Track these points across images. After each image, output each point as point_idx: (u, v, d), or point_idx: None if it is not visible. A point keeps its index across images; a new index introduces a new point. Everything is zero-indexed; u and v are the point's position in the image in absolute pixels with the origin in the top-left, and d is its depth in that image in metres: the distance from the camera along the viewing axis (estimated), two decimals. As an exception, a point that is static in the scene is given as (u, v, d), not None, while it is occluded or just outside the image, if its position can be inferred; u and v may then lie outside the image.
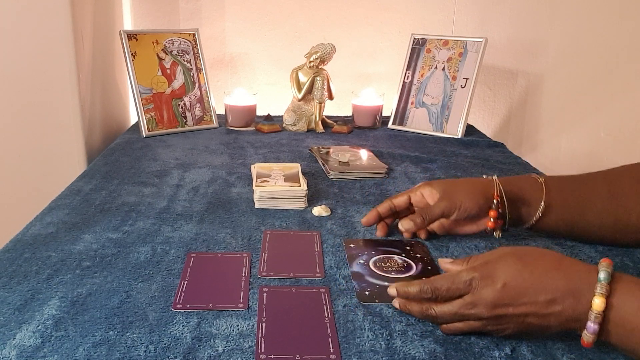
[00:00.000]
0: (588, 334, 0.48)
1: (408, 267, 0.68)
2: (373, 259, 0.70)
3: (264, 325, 0.56)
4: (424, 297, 0.55)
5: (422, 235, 0.77)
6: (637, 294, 0.47)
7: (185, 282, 0.63)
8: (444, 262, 0.61)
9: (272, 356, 0.51)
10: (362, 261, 0.69)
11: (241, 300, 0.60)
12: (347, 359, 0.51)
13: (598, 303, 0.47)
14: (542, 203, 0.71)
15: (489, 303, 0.51)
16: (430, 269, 0.68)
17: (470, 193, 0.73)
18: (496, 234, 0.74)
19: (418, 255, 0.72)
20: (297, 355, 0.51)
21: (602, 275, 0.48)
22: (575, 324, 0.49)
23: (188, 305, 0.58)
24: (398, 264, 0.69)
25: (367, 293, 0.62)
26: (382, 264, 0.69)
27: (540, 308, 0.50)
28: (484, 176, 0.75)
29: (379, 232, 0.78)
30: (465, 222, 0.75)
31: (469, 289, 0.52)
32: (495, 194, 0.72)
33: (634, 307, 0.47)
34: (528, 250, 0.54)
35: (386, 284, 0.64)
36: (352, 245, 0.74)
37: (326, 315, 0.58)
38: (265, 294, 0.61)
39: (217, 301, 0.60)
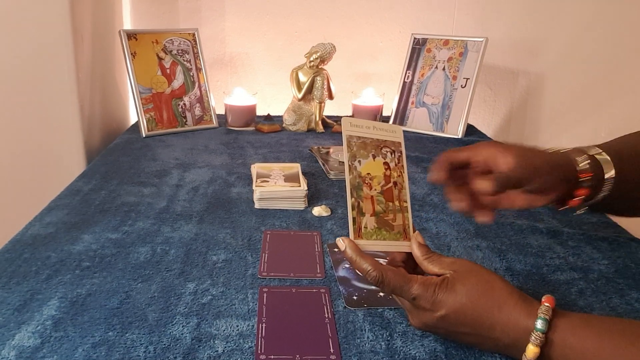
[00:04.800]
0: None
1: None
2: None
3: (263, 325, 0.55)
4: (367, 277, 0.52)
5: (488, 217, 0.61)
6: (571, 343, 0.47)
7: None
8: (421, 258, 0.55)
9: (272, 356, 0.51)
10: (347, 265, 0.68)
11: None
12: (347, 359, 0.51)
13: (532, 350, 0.47)
14: (612, 172, 0.61)
15: (422, 323, 0.52)
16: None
17: (549, 163, 0.60)
18: (579, 211, 0.64)
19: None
20: (297, 356, 0.51)
21: (538, 324, 0.47)
22: (510, 354, 0.50)
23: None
24: None
25: (354, 298, 0.61)
26: None
27: (471, 340, 0.52)
28: (562, 149, 0.64)
29: (485, 218, 0.61)
30: (532, 195, 0.61)
31: (411, 301, 0.52)
32: (585, 172, 0.60)
33: (569, 354, 0.47)
34: (481, 280, 0.51)
35: (374, 287, 0.62)
36: (336, 250, 0.73)
37: (326, 315, 0.58)
38: (265, 294, 0.61)
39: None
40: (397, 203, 0.56)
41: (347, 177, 0.53)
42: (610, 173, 0.62)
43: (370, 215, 0.53)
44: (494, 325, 0.49)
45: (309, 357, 0.51)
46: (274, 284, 0.64)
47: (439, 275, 0.52)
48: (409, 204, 0.56)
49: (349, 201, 0.52)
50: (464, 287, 0.50)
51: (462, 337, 0.52)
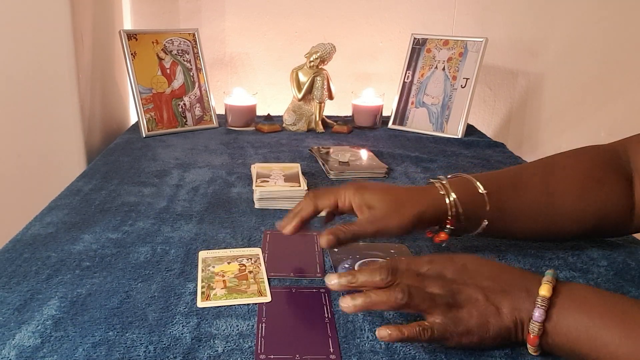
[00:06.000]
0: (533, 323, 0.48)
1: None
2: (358, 263, 0.69)
3: (263, 325, 0.55)
4: (379, 276, 0.53)
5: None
6: (574, 309, 0.48)
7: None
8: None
9: (272, 356, 0.51)
10: (347, 265, 0.68)
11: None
12: (347, 359, 0.51)
13: (545, 288, 0.49)
14: (484, 222, 0.66)
15: (447, 274, 0.53)
16: None
17: (413, 214, 0.62)
18: (444, 244, 0.68)
19: (403, 259, 0.70)
20: (297, 356, 0.51)
21: (549, 271, 0.51)
22: (523, 313, 0.50)
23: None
24: None
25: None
26: None
27: (495, 297, 0.51)
28: (438, 185, 0.66)
29: (289, 230, 0.66)
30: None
31: (426, 272, 0.54)
32: (448, 218, 0.64)
33: (571, 320, 0.48)
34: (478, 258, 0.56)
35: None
36: (335, 250, 0.72)
37: (326, 315, 0.58)
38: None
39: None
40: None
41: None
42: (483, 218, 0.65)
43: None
44: (510, 275, 0.52)
45: (308, 357, 0.51)
46: (274, 284, 0.64)
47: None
48: None
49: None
50: (471, 257, 0.55)
51: (484, 291, 0.51)
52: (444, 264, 0.54)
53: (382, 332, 0.50)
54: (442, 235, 0.65)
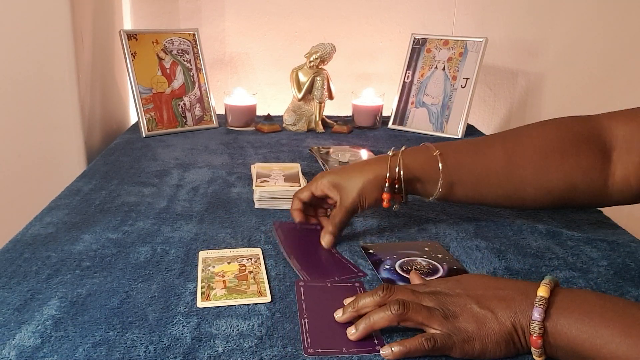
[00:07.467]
0: (533, 322, 0.49)
1: (435, 270, 0.67)
2: (398, 262, 0.69)
3: (306, 320, 0.56)
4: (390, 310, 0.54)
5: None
6: (572, 309, 0.49)
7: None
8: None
9: (320, 350, 0.51)
10: (387, 266, 0.68)
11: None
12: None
13: (543, 288, 0.49)
14: (440, 182, 0.72)
15: (438, 298, 0.53)
16: (456, 269, 0.67)
17: (371, 183, 0.72)
18: (395, 207, 0.75)
19: (439, 256, 0.71)
20: (344, 349, 0.52)
21: (547, 276, 0.51)
22: (522, 317, 0.50)
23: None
24: (424, 267, 0.68)
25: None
26: (409, 268, 0.67)
27: (492, 304, 0.51)
28: (389, 152, 0.73)
29: (297, 219, 0.78)
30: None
31: (425, 287, 0.56)
32: (389, 177, 0.72)
33: (570, 321, 0.48)
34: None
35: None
36: (371, 251, 0.72)
37: None
38: (302, 289, 0.62)
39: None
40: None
41: None
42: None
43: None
44: (505, 283, 0.53)
45: (355, 350, 0.51)
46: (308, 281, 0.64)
47: None
48: None
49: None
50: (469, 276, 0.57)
51: (469, 306, 0.51)
52: (438, 281, 0.56)
53: (386, 351, 0.51)
54: (384, 196, 0.72)
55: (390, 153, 0.73)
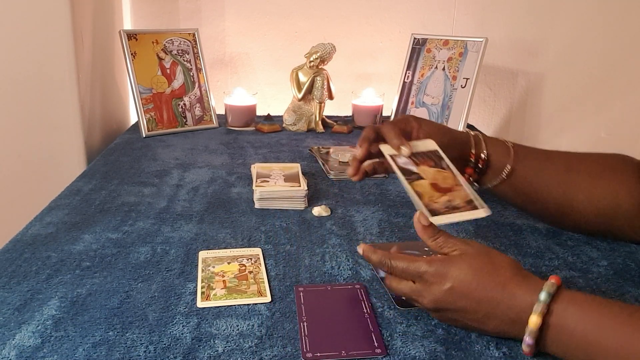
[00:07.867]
0: (524, 346, 0.50)
1: None
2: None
3: (305, 324, 0.56)
4: (381, 268, 0.60)
5: (357, 177, 0.71)
6: (574, 315, 0.48)
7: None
8: (428, 241, 0.58)
9: (319, 354, 0.51)
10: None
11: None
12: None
13: (534, 320, 0.49)
14: (508, 166, 0.73)
15: (432, 299, 0.54)
16: None
17: (454, 141, 0.72)
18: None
19: (439, 256, 0.70)
20: (343, 352, 0.52)
21: (542, 295, 0.49)
22: (514, 331, 0.51)
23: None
24: None
25: (404, 298, 0.60)
26: None
27: (478, 317, 0.53)
28: (471, 132, 0.76)
29: (356, 177, 0.71)
30: None
31: (420, 279, 0.55)
32: (473, 152, 0.73)
33: (571, 325, 0.48)
34: (486, 260, 0.54)
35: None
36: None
37: (365, 310, 0.59)
38: (302, 294, 0.61)
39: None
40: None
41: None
42: (507, 166, 0.73)
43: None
44: (498, 301, 0.51)
45: (354, 353, 0.51)
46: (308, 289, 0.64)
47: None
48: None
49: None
50: (469, 265, 0.53)
51: (467, 317, 0.53)
52: (434, 280, 0.54)
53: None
54: (468, 171, 0.74)
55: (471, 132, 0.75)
